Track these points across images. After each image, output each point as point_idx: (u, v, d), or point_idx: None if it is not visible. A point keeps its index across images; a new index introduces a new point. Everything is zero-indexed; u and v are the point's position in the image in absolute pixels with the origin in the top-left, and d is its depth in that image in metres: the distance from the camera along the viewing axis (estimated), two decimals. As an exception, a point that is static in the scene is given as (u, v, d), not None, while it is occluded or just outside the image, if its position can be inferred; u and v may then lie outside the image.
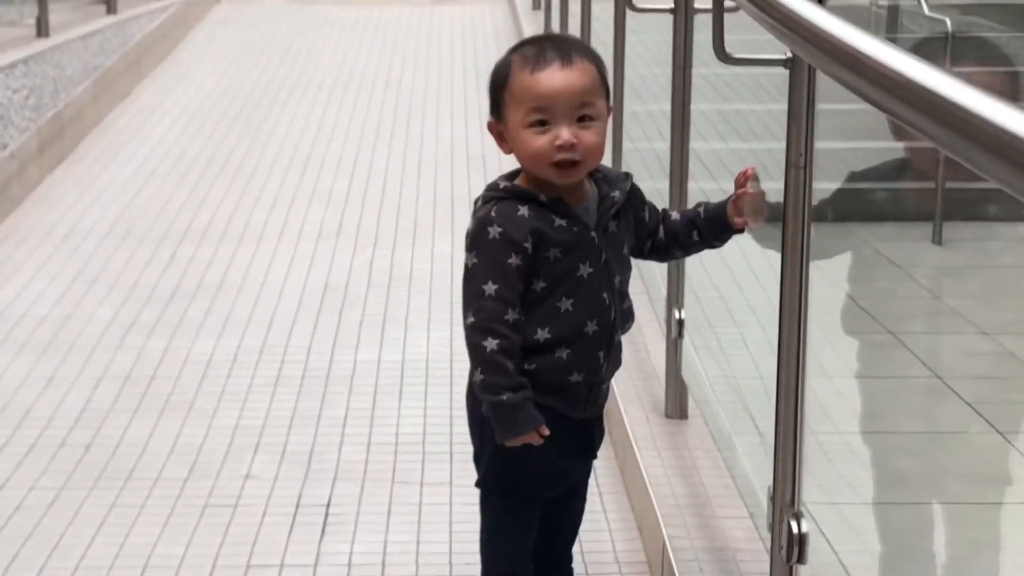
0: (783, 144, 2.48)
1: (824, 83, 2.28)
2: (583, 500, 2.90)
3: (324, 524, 3.67)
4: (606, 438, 2.96)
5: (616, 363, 2.75)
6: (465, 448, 3.05)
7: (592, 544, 3.48)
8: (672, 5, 3.88)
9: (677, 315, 3.81)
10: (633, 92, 5.53)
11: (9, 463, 4.04)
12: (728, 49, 2.83)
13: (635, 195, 2.75)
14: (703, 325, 4.13)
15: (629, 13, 4.85)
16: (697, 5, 3.79)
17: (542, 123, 2.58)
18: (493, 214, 2.60)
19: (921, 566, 3.45)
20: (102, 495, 3.84)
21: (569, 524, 2.90)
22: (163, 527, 3.65)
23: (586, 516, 2.95)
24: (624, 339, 2.76)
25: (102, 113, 8.49)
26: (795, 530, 2.48)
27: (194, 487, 3.88)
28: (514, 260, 2.57)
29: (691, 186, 3.89)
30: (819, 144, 2.47)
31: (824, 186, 3.54)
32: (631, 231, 2.74)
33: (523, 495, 2.74)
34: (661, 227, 2.79)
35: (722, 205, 2.71)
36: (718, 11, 2.84)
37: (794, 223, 2.47)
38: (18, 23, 8.13)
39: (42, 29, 8.02)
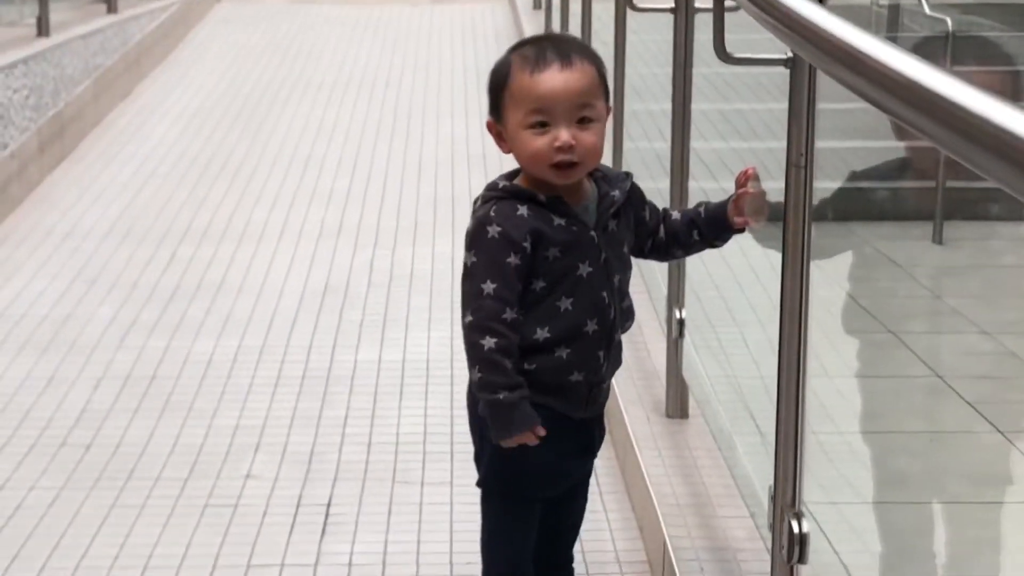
0: (784, 143, 2.47)
1: (825, 82, 2.28)
2: (584, 500, 2.90)
3: (324, 524, 3.66)
4: (607, 438, 2.96)
5: (616, 362, 2.75)
6: (466, 448, 3.05)
7: (593, 544, 3.48)
8: (672, 5, 3.88)
9: (678, 314, 3.81)
10: (634, 91, 5.53)
11: (9, 463, 4.04)
12: (729, 49, 2.83)
13: (635, 194, 2.75)
14: (704, 324, 4.13)
15: (630, 13, 4.85)
16: (698, 4, 3.79)
17: (542, 124, 2.58)
18: (492, 213, 2.60)
19: (921, 566, 3.45)
20: (102, 495, 3.83)
21: (570, 524, 2.90)
22: (163, 527, 3.65)
23: (587, 516, 2.95)
24: (625, 339, 2.76)
25: (102, 113, 8.49)
26: (796, 530, 2.47)
27: (194, 487, 3.88)
28: (513, 259, 2.57)
29: (692, 185, 3.89)
30: (820, 143, 2.47)
31: (825, 185, 3.53)
32: (631, 230, 2.74)
33: (524, 495, 2.74)
34: (662, 226, 2.79)
35: (723, 205, 2.71)
36: (719, 11, 2.84)
37: (795, 223, 2.47)
38: (18, 23, 8.13)
39: (42, 28, 8.02)
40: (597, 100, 2.62)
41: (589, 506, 2.94)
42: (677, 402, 3.85)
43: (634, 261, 2.79)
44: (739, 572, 3.05)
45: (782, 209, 2.48)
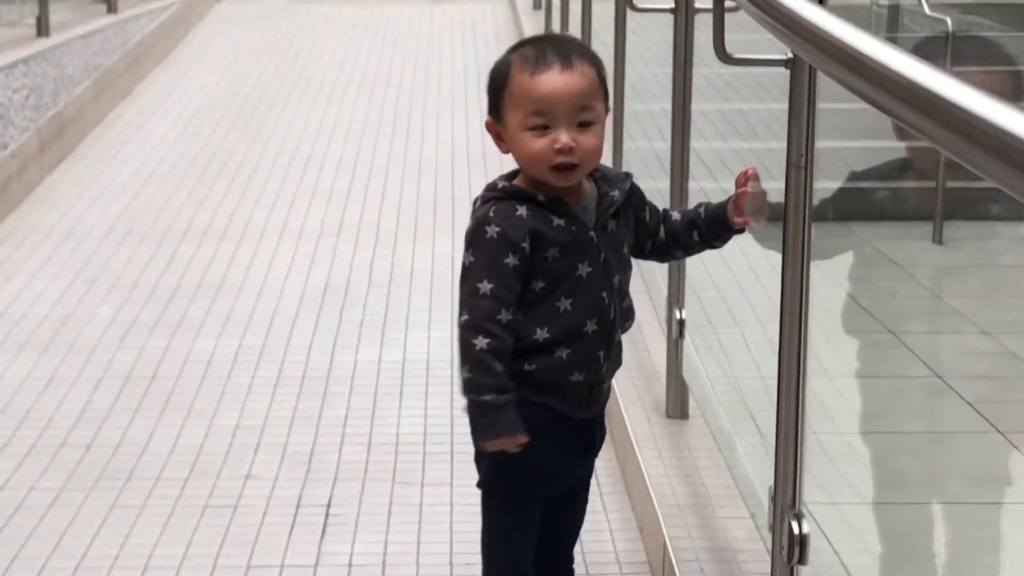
0: (784, 143, 2.47)
1: (825, 82, 2.28)
2: (585, 501, 2.90)
3: (324, 525, 3.66)
4: (607, 438, 2.95)
5: (617, 362, 2.74)
6: (466, 448, 3.05)
7: (593, 544, 3.48)
8: (672, 5, 3.88)
9: (678, 315, 3.81)
10: (634, 92, 5.53)
11: (9, 463, 4.04)
12: (729, 49, 2.83)
13: (635, 195, 2.75)
14: (704, 325, 4.13)
15: (630, 13, 4.85)
16: (697, 5, 3.79)
17: (542, 126, 2.58)
18: (491, 214, 2.60)
19: (922, 566, 3.45)
20: (102, 495, 3.83)
21: (570, 525, 2.90)
22: (163, 527, 3.65)
23: (587, 516, 2.95)
24: (625, 339, 2.76)
25: (102, 113, 8.49)
26: (796, 531, 2.47)
27: (194, 487, 3.88)
28: (511, 260, 2.57)
29: (692, 186, 3.89)
30: (820, 143, 2.46)
31: (825, 185, 3.53)
32: (631, 231, 2.74)
33: (524, 495, 2.74)
34: (662, 227, 2.78)
35: (722, 205, 2.71)
36: (718, 11, 2.84)
37: (795, 223, 2.47)
38: (18, 23, 8.13)
39: (42, 29, 8.01)
40: (597, 102, 2.62)
41: (589, 506, 2.94)
42: (677, 402, 3.85)
43: (634, 262, 2.79)
44: (739, 573, 3.05)
45: (782, 209, 2.48)
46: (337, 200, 6.85)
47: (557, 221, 2.61)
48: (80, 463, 4.03)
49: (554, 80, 2.58)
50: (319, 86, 9.42)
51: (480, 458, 2.74)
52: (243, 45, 10.89)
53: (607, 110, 2.66)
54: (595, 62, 2.65)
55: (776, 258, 2.55)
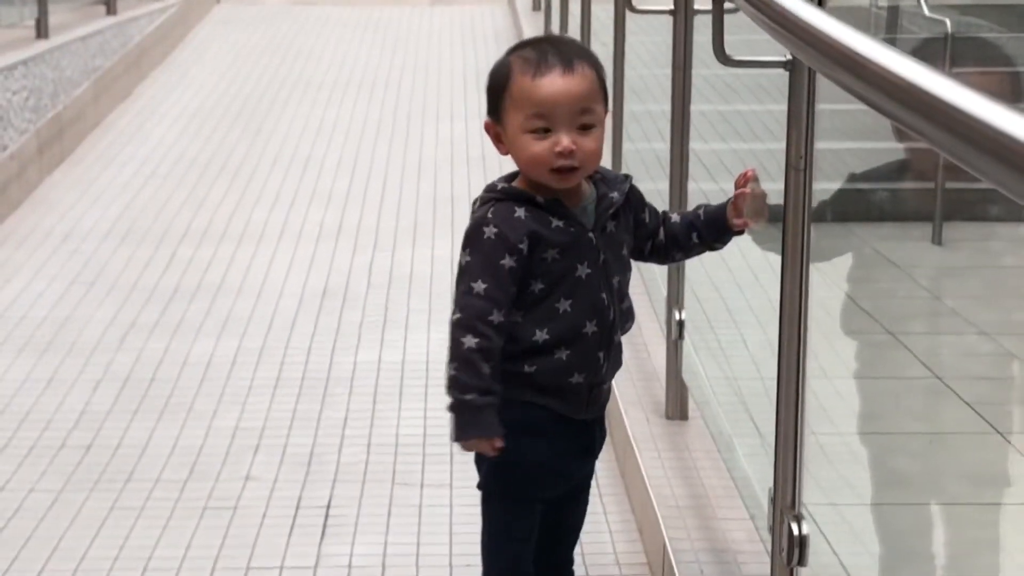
0: (783, 145, 2.47)
1: (824, 83, 2.28)
2: (585, 502, 2.90)
3: (324, 526, 3.66)
4: (607, 439, 2.95)
5: (616, 364, 2.75)
6: (465, 450, 3.04)
7: (592, 545, 3.48)
8: (672, 6, 3.88)
9: (677, 316, 3.81)
10: (633, 93, 5.53)
11: (9, 465, 4.04)
12: (728, 51, 2.83)
13: (634, 196, 2.75)
14: (703, 326, 4.13)
15: (629, 14, 4.85)
16: (697, 6, 3.79)
17: (543, 128, 2.58)
18: (490, 215, 2.60)
19: (921, 567, 3.45)
20: (102, 497, 3.83)
21: (571, 526, 2.90)
22: (163, 529, 3.65)
23: (587, 517, 2.94)
24: (624, 340, 2.76)
25: (102, 114, 8.49)
26: (795, 532, 2.47)
27: (194, 489, 3.88)
28: (508, 261, 2.57)
29: (691, 187, 3.89)
30: (819, 145, 2.47)
31: (824, 187, 3.54)
32: (630, 232, 2.74)
33: (524, 496, 2.74)
34: (661, 229, 2.79)
35: (722, 207, 2.72)
36: (718, 12, 2.84)
37: (794, 224, 2.47)
38: (18, 24, 8.13)
39: (42, 30, 8.01)
40: (597, 104, 2.62)
41: (589, 508, 2.94)
42: (677, 404, 3.85)
43: (633, 263, 2.79)
44: (739, 574, 3.05)
45: (781, 211, 2.48)
46: (336, 201, 6.85)
47: (556, 222, 2.61)
48: (79, 464, 4.04)
49: (555, 83, 2.58)
50: (319, 87, 9.42)
51: (480, 459, 2.74)
52: (242, 46, 10.89)
53: (606, 112, 2.66)
54: (595, 64, 2.65)
55: (775, 259, 2.55)
